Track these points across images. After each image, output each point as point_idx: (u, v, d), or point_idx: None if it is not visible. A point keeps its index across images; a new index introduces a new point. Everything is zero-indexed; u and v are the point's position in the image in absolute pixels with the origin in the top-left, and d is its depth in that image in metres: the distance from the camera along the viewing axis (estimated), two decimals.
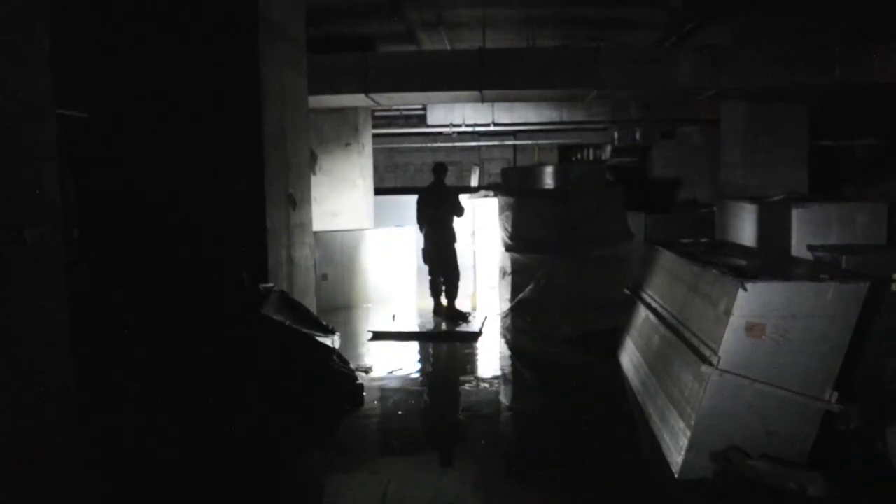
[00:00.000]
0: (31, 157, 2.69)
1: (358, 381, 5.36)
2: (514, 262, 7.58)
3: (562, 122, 13.00)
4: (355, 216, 10.21)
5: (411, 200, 8.23)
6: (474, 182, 12.36)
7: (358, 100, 9.39)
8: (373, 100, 9.38)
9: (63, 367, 2.85)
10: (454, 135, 13.32)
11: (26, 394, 2.62)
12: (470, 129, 13.01)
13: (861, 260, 4.79)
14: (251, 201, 5.66)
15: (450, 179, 9.05)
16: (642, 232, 7.88)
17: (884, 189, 8.04)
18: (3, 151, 2.56)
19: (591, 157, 14.17)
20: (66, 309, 2.87)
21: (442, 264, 7.91)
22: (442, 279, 7.97)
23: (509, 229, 7.63)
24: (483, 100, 10.18)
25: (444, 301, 8.01)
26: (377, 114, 12.20)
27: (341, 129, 10.25)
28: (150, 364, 4.88)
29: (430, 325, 7.71)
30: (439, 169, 8.04)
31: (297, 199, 6.46)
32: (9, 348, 2.53)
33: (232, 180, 5.63)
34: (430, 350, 6.96)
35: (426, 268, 8.10)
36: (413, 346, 7.04)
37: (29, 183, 2.67)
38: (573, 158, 14.39)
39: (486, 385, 5.69)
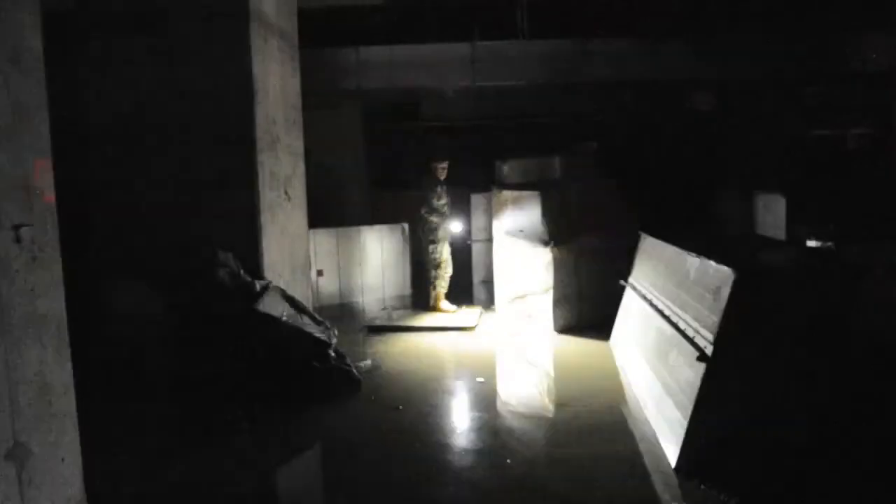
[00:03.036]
0: (26, 155, 2.69)
1: (356, 377, 5.38)
2: (510, 255, 7.60)
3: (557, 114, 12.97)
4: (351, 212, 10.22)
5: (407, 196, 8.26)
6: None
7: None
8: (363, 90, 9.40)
9: (63, 367, 2.85)
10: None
11: (24, 396, 2.62)
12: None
13: (855, 248, 4.82)
14: (246, 198, 5.66)
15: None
16: (639, 221, 7.90)
17: (875, 179, 8.07)
18: None
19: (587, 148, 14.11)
20: (64, 308, 2.87)
21: (428, 259, 7.97)
22: (433, 274, 8.00)
23: (506, 222, 7.65)
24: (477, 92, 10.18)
25: (438, 294, 8.03)
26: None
27: (336, 125, 10.24)
28: (152, 360, 4.90)
29: (424, 319, 7.72)
30: (428, 163, 8.07)
31: (291, 196, 6.47)
32: (7, 349, 2.53)
33: (227, 178, 5.63)
34: (426, 343, 6.97)
35: (422, 263, 8.16)
36: (408, 339, 7.05)
37: (24, 181, 2.67)
38: (571, 149, 14.32)
39: (482, 378, 5.70)
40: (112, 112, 5.66)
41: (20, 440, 2.56)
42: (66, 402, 2.86)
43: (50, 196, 2.81)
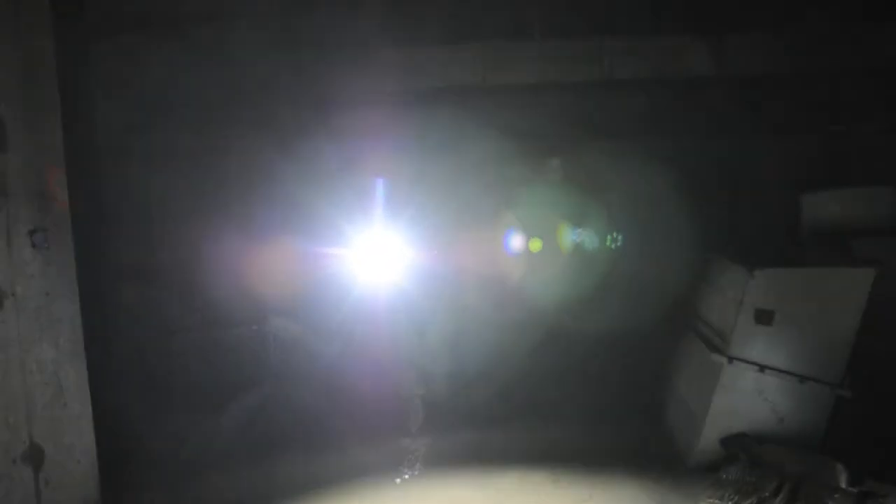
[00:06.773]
0: (40, 162, 2.73)
1: None
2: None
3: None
4: None
5: None
6: None
7: None
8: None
9: (78, 370, 2.89)
10: None
11: (40, 398, 2.66)
12: None
13: (874, 245, 4.73)
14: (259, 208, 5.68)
15: None
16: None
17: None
18: (14, 157, 2.60)
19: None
20: (79, 311, 2.90)
21: None
22: None
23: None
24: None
25: None
26: None
27: None
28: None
29: None
30: None
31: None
32: (22, 352, 2.56)
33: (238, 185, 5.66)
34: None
35: None
36: None
37: (38, 187, 2.71)
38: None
39: (501, 378, 5.65)
40: (123, 120, 5.70)
41: (36, 442, 2.59)
42: (82, 405, 2.89)
43: (64, 202, 2.86)
